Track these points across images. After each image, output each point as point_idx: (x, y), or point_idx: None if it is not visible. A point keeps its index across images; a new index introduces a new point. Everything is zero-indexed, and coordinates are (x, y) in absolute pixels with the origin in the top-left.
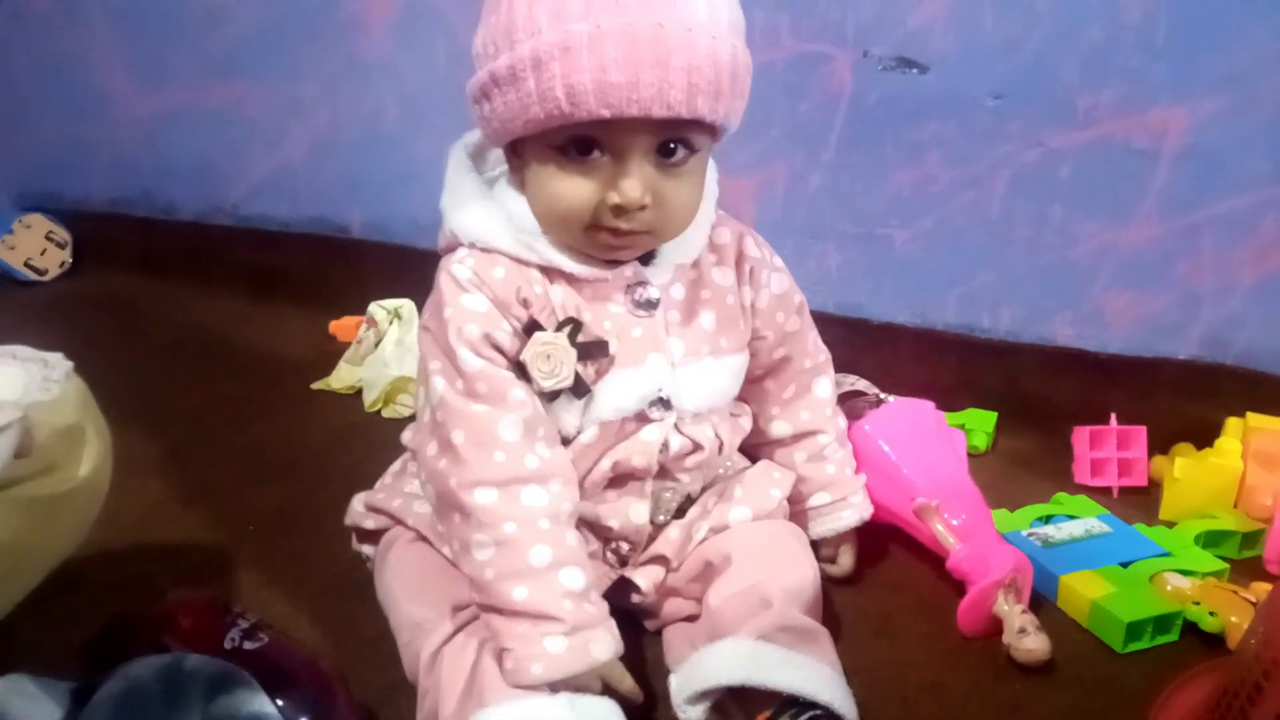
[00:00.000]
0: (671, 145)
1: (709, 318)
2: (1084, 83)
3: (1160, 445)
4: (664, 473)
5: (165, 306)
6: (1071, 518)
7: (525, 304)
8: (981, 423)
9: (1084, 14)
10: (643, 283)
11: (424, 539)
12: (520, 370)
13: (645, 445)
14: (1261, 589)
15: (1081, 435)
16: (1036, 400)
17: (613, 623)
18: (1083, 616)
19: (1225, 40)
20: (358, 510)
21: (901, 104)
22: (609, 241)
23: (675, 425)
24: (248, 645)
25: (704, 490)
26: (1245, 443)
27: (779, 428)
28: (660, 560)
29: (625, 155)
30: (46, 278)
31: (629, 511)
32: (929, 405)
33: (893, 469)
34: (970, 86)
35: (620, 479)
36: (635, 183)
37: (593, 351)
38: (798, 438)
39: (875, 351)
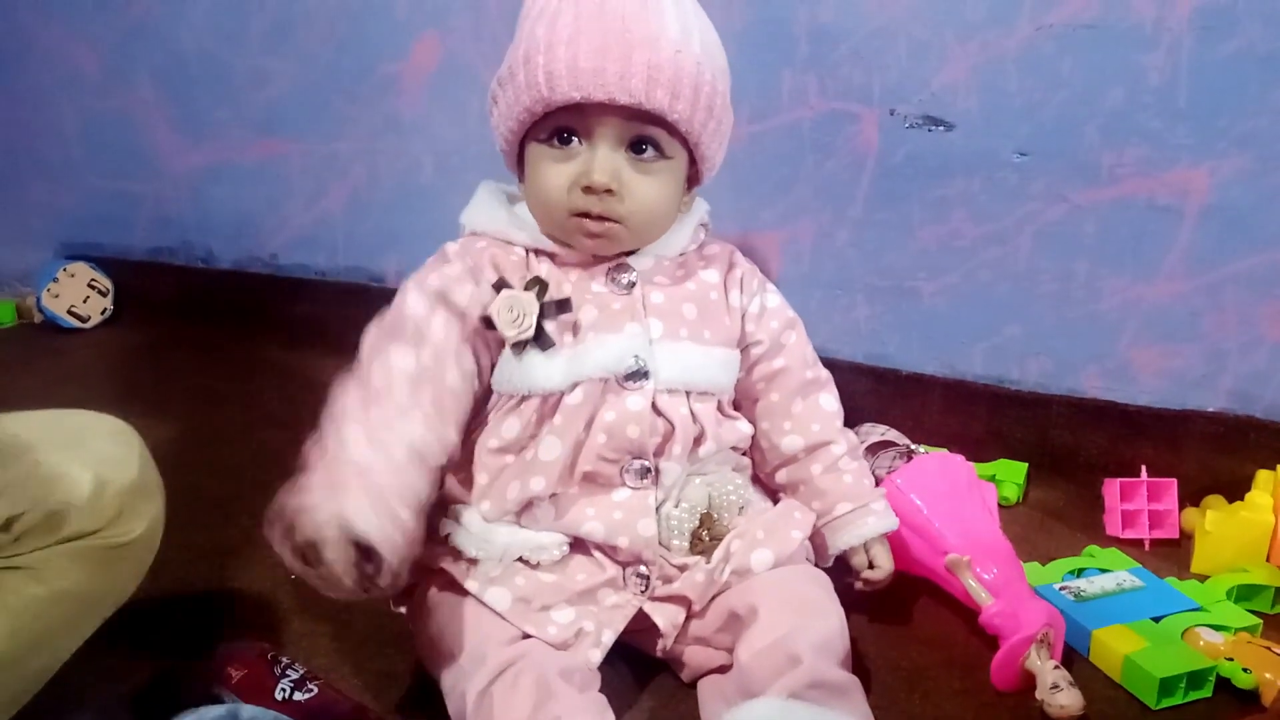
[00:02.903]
0: (642, 145)
1: (691, 307)
2: (1107, 142)
3: (1190, 498)
4: (655, 475)
5: (205, 354)
6: (1103, 571)
7: (498, 269)
8: (1012, 474)
9: (1106, 76)
10: (623, 265)
11: (451, 582)
12: (488, 324)
13: (634, 415)
14: None
15: (1112, 487)
16: (1066, 452)
17: (405, 535)
18: (1115, 672)
19: (1245, 102)
20: None
21: (927, 161)
22: (588, 228)
23: (654, 403)
24: (299, 696)
25: (712, 522)
26: (1276, 496)
27: (791, 442)
28: (681, 600)
29: (596, 142)
30: (88, 325)
31: (636, 526)
32: (960, 459)
33: (924, 523)
34: (995, 144)
35: (614, 464)
36: (603, 165)
37: (556, 309)
38: (810, 450)
39: (905, 402)
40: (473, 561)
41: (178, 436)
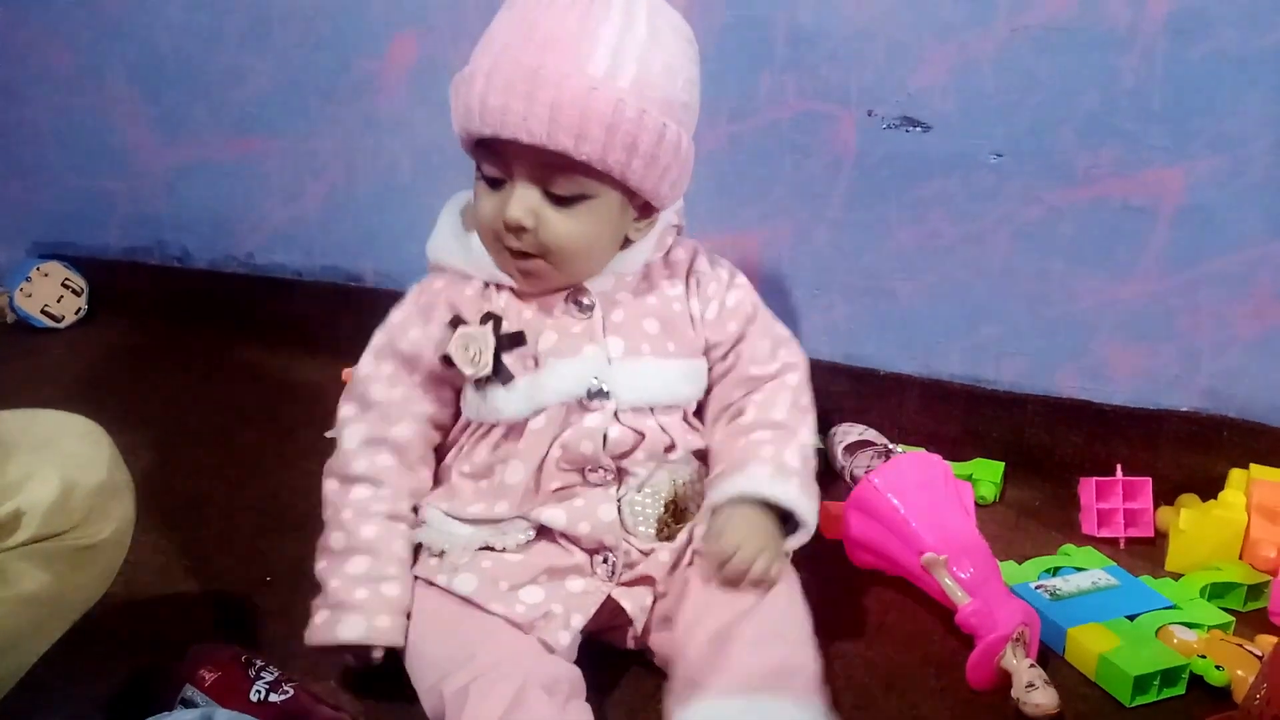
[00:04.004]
0: (561, 183)
1: (653, 322)
2: (1082, 143)
3: (1164, 496)
4: (622, 473)
5: (180, 354)
6: (1079, 569)
7: (454, 306)
8: (989, 473)
9: (1082, 78)
10: (580, 289)
11: (429, 581)
12: (448, 362)
13: (589, 431)
14: (1267, 642)
15: (1088, 486)
16: (1042, 451)
17: (392, 615)
18: (1090, 670)
19: (1218, 104)
20: None
21: (905, 162)
22: (517, 265)
23: (617, 417)
24: (274, 698)
25: (678, 510)
26: (1249, 495)
27: (718, 426)
28: (647, 581)
29: (515, 178)
30: (62, 325)
31: (597, 511)
32: (937, 458)
33: (901, 523)
34: (972, 145)
35: (578, 472)
36: (515, 203)
37: (511, 341)
38: (728, 426)
39: (882, 401)
40: (440, 555)
41: (152, 437)
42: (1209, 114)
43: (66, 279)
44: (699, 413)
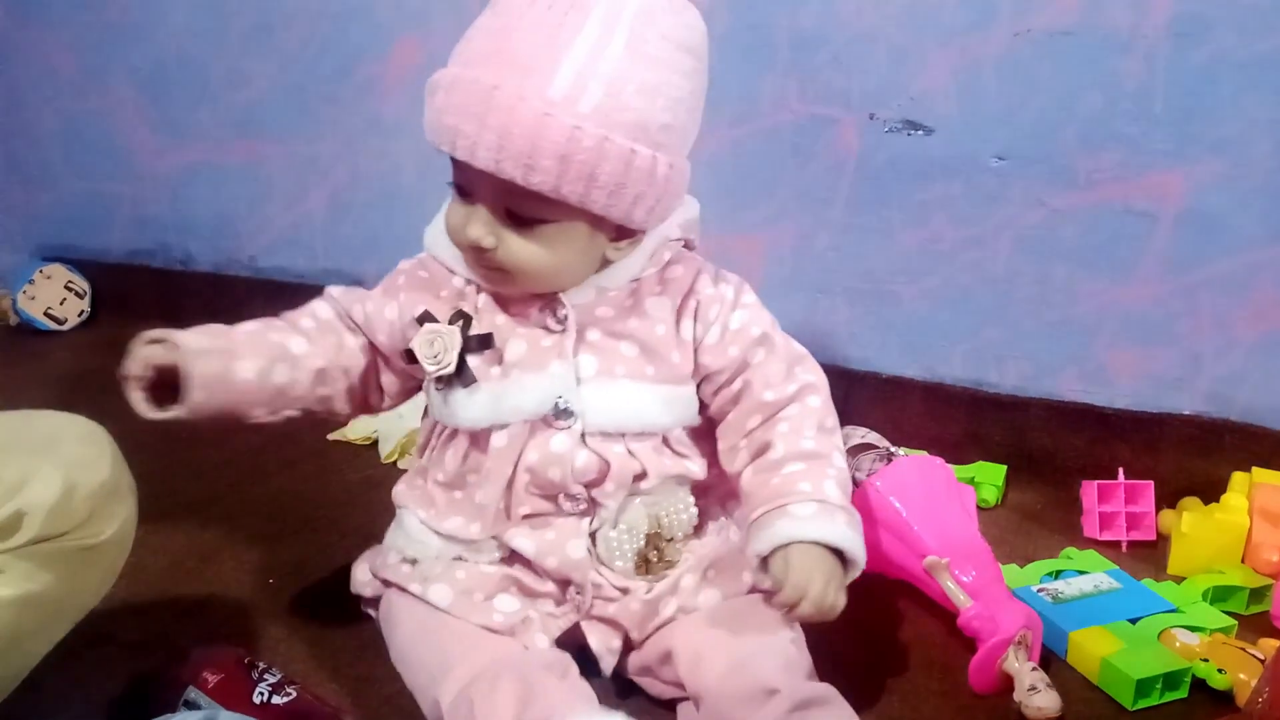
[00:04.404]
0: (522, 205)
1: (630, 345)
2: (1084, 147)
3: (1167, 499)
4: (594, 503)
5: None
6: (1081, 573)
7: (437, 289)
8: (991, 476)
9: (1083, 82)
10: (556, 301)
11: (402, 589)
12: (411, 357)
13: (556, 456)
14: (1269, 645)
15: (1090, 490)
16: (1044, 454)
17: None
18: (1092, 673)
19: (1219, 108)
20: (359, 579)
21: (907, 165)
22: (481, 274)
23: (585, 440)
24: (276, 700)
25: (663, 543)
26: (1251, 498)
27: (740, 459)
28: (615, 626)
29: (476, 196)
30: (65, 327)
31: (566, 547)
32: (939, 462)
33: (903, 526)
34: (974, 149)
35: (550, 499)
36: (475, 224)
37: (478, 343)
38: (755, 460)
39: (884, 405)
40: (414, 562)
41: (154, 439)
42: (1210, 118)
43: (69, 281)
44: (700, 437)
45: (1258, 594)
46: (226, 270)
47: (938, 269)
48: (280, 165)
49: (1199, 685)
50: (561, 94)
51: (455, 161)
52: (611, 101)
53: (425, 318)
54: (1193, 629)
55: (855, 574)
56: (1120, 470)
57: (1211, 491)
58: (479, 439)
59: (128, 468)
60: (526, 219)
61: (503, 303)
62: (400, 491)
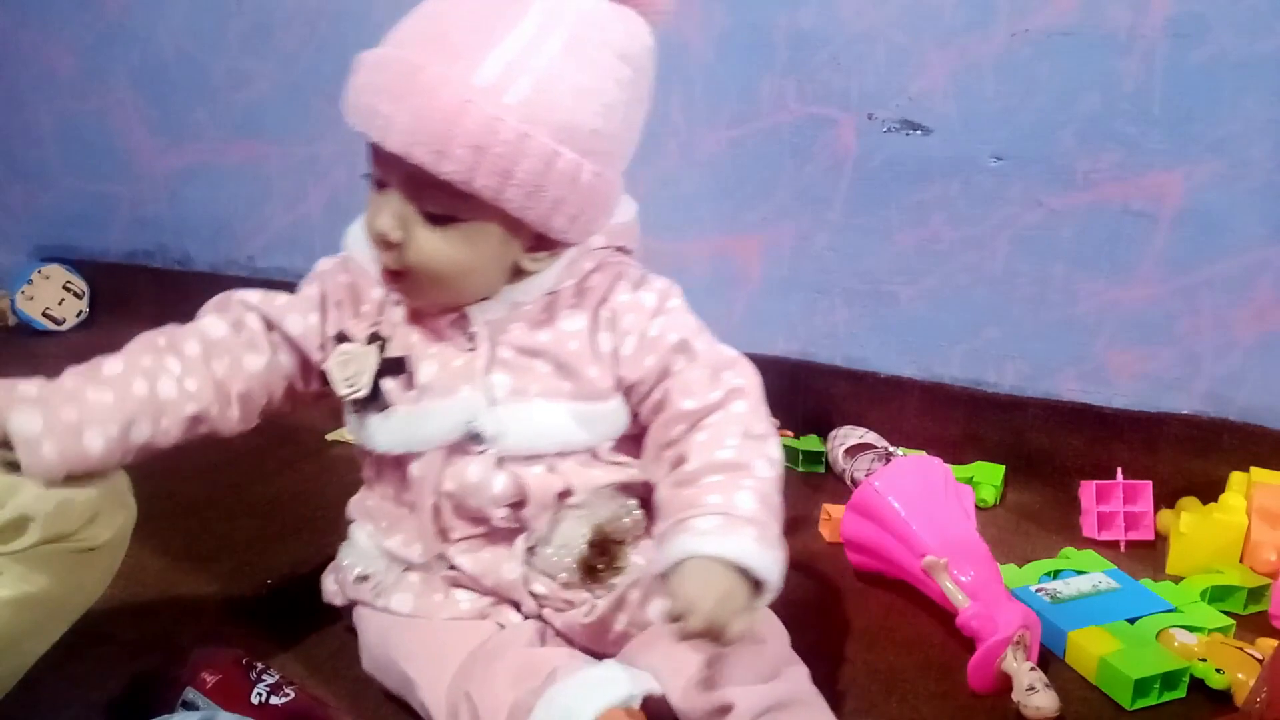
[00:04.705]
0: (435, 199)
1: (545, 361)
2: (1083, 147)
3: (1165, 499)
4: (522, 524)
5: None
6: (1079, 573)
7: (357, 302)
8: (989, 476)
9: (1082, 82)
10: (464, 317)
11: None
12: (324, 379)
13: (473, 486)
14: (1267, 645)
15: (1088, 490)
16: (1042, 454)
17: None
18: (1091, 673)
19: (1217, 108)
20: (328, 589)
21: (905, 165)
22: (385, 279)
23: (502, 464)
24: (275, 701)
25: (609, 547)
26: (1249, 498)
27: (661, 470)
28: (568, 639)
29: (389, 185)
30: (63, 327)
31: (500, 569)
32: (937, 462)
33: (902, 526)
34: (972, 149)
35: (479, 522)
36: (387, 212)
37: (391, 367)
38: (673, 468)
39: (883, 404)
40: (365, 579)
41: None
42: (1209, 118)
43: (68, 282)
44: (639, 440)
45: (1256, 594)
46: (225, 270)
47: (936, 269)
48: (279, 165)
49: (1197, 685)
50: (487, 82)
51: (373, 150)
52: (540, 97)
53: (341, 337)
54: (1191, 629)
55: (769, 595)
56: (1119, 470)
57: (1210, 491)
58: (401, 462)
59: (124, 471)
60: (438, 216)
61: (416, 318)
62: (352, 504)
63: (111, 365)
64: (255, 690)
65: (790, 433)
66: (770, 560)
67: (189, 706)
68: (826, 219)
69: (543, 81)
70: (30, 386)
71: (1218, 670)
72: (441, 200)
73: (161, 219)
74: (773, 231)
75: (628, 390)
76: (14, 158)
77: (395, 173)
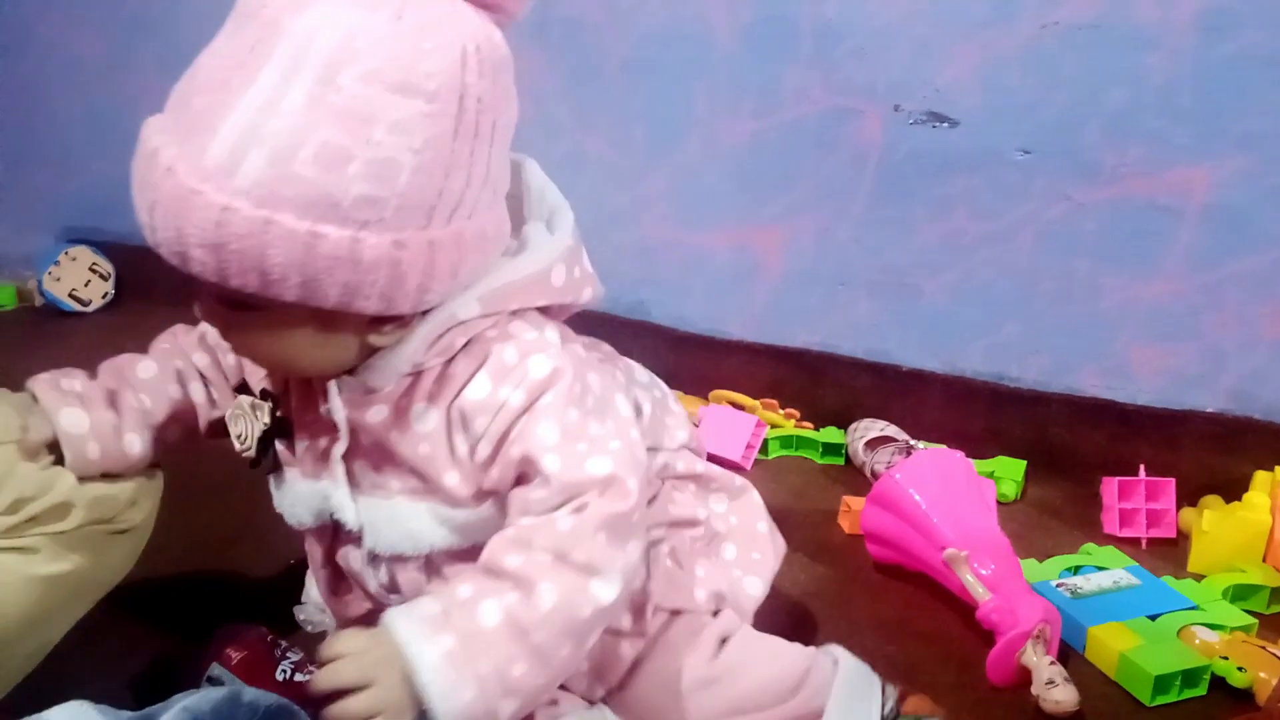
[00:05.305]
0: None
1: (401, 457)
2: (1109, 141)
3: (1188, 497)
4: None
5: None
6: (1100, 569)
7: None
8: (1010, 471)
9: (1109, 76)
10: (323, 391)
11: None
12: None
13: (354, 571)
14: None
15: (1110, 486)
16: (1065, 450)
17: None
18: (1111, 669)
19: (1246, 103)
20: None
21: (930, 158)
22: None
23: (377, 560)
24: (299, 678)
25: None
26: (1273, 496)
27: None
28: None
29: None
30: (89, 309)
31: None
32: (959, 455)
33: (923, 519)
34: (998, 142)
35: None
36: (203, 310)
37: (280, 429)
38: None
39: (904, 398)
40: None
41: None
42: (1237, 113)
43: (94, 264)
44: None
45: (1278, 593)
46: None
47: (959, 262)
48: None
49: (1218, 683)
50: (217, 163)
51: None
52: (276, 172)
53: (241, 387)
54: (1212, 627)
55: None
56: (1141, 467)
57: (1233, 489)
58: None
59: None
60: (236, 303)
61: (301, 383)
62: None
63: (146, 367)
64: (280, 667)
65: (810, 425)
66: (449, 685)
67: (214, 682)
68: (850, 211)
69: (279, 151)
70: (74, 382)
71: (1239, 668)
72: (229, 289)
73: None
74: (795, 223)
75: (493, 493)
76: (42, 142)
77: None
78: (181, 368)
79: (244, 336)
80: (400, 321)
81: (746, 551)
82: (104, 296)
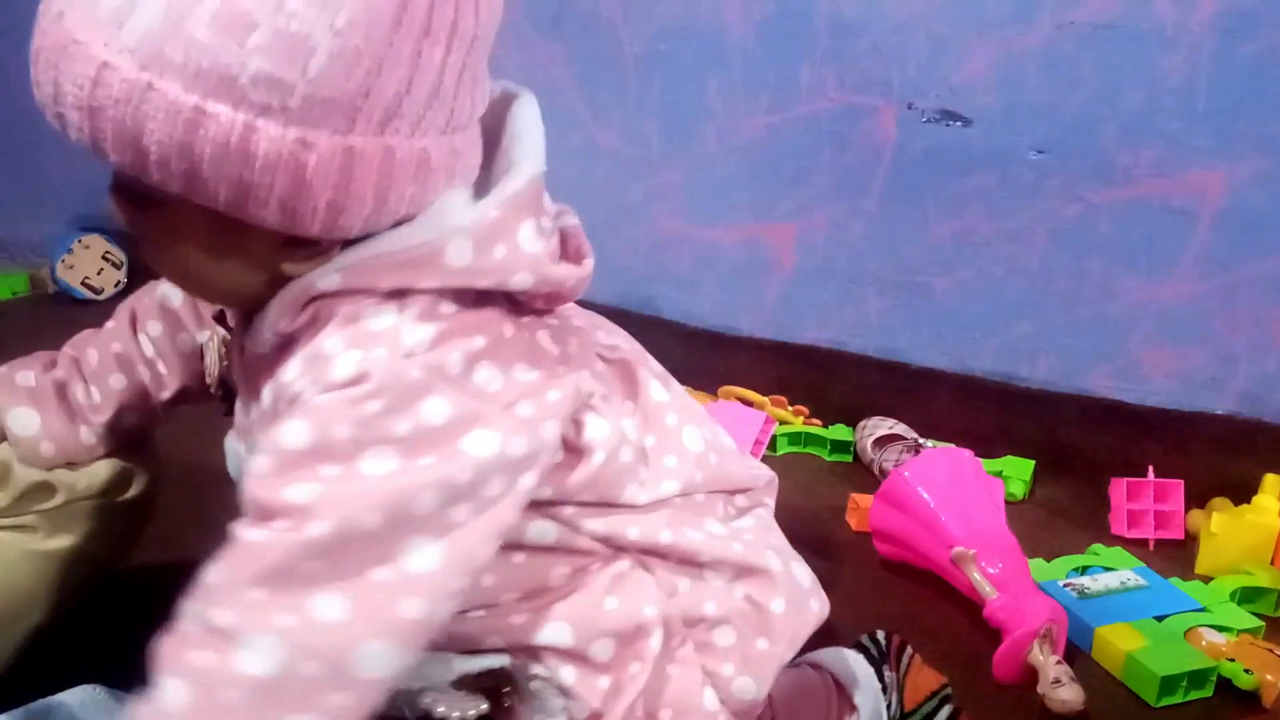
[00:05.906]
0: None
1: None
2: (1124, 142)
3: (1196, 499)
4: None
5: None
6: (1108, 569)
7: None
8: (1019, 470)
9: (1126, 76)
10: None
11: None
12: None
13: None
14: None
15: (1119, 487)
16: (1074, 450)
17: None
18: (1117, 669)
19: (1264, 106)
20: None
21: (944, 156)
22: None
23: None
24: None
25: None
26: None
27: None
28: None
29: None
30: (102, 297)
31: None
32: (968, 454)
33: (931, 517)
34: (1013, 141)
35: None
36: (110, 198)
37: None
38: None
39: (914, 396)
40: None
41: (187, 409)
42: (1254, 116)
43: (107, 252)
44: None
45: None
46: None
47: (972, 261)
48: None
49: (1224, 685)
50: (109, 12)
51: None
52: (166, 28)
53: (220, 317)
54: (1219, 629)
55: None
56: (1150, 468)
57: (1242, 492)
58: None
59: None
60: (134, 195)
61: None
62: None
63: (91, 355)
64: None
65: (819, 422)
66: None
67: None
68: (862, 208)
69: (174, 5)
70: (28, 375)
71: (1246, 670)
72: (123, 176)
73: None
74: (808, 219)
75: None
76: (55, 130)
77: None
78: (121, 351)
79: (144, 239)
80: (315, 248)
81: (750, 640)
82: (116, 285)
